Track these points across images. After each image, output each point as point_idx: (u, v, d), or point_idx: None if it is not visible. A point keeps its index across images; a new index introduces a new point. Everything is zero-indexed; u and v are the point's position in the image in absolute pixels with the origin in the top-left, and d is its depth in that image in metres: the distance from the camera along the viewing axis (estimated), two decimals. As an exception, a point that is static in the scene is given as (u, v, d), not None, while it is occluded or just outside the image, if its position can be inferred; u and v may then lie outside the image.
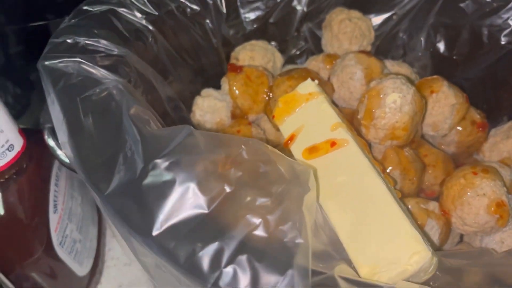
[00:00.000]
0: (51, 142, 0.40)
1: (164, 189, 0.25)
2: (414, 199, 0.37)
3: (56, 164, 0.44)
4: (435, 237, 0.37)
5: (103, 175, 0.27)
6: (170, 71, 0.44)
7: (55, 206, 0.43)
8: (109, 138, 0.29)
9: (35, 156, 0.41)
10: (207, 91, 0.47)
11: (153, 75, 0.41)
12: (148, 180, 0.26)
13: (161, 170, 0.26)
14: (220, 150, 0.27)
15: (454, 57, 0.46)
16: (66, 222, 0.45)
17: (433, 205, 0.38)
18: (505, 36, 0.42)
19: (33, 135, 0.40)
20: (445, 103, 0.41)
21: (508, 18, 0.41)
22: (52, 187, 0.43)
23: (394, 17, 0.47)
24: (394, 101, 0.35)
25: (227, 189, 0.26)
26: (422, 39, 0.47)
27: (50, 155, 0.40)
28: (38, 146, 0.40)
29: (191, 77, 0.47)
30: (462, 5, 0.43)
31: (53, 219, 0.42)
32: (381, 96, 0.35)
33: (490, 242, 0.38)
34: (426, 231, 0.36)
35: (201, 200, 0.25)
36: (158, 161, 0.26)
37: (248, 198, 0.26)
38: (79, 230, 0.48)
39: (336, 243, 0.30)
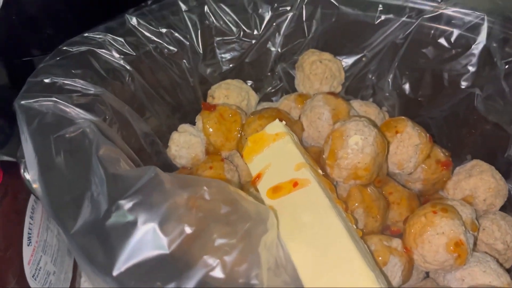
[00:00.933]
0: (27, 176, 0.41)
1: (126, 230, 0.26)
2: (377, 236, 0.39)
3: (32, 197, 0.45)
4: (398, 273, 0.38)
5: (70, 213, 0.28)
6: (147, 107, 0.46)
7: (29, 238, 0.43)
8: (77, 178, 0.30)
9: (11, 189, 0.41)
10: (183, 127, 0.48)
11: (130, 112, 0.42)
12: (112, 220, 0.27)
13: (124, 211, 0.27)
14: (183, 191, 0.28)
15: (419, 98, 0.48)
16: (40, 255, 0.45)
17: (396, 243, 0.39)
18: (464, 80, 0.45)
19: (10, 168, 0.41)
20: (409, 143, 0.43)
21: (466, 64, 0.44)
22: (27, 220, 0.44)
23: (364, 59, 0.50)
24: (356, 142, 0.37)
25: (188, 230, 0.27)
26: (389, 80, 0.49)
27: (27, 188, 0.41)
28: (15, 179, 0.41)
29: (168, 113, 0.48)
30: (424, 50, 0.46)
31: (27, 251, 0.43)
32: (343, 137, 0.37)
33: (451, 280, 0.39)
34: (389, 268, 0.38)
35: (162, 240, 0.26)
36: (121, 202, 0.27)
37: (208, 239, 0.27)
38: (53, 262, 0.48)
39: (298, 282, 0.31)
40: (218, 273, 0.26)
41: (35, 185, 0.32)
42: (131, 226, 0.26)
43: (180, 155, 0.47)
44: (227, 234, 0.27)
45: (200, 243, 0.27)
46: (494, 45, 0.42)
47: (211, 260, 0.26)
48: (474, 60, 0.43)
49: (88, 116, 0.36)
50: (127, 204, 0.27)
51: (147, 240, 0.26)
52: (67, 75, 0.38)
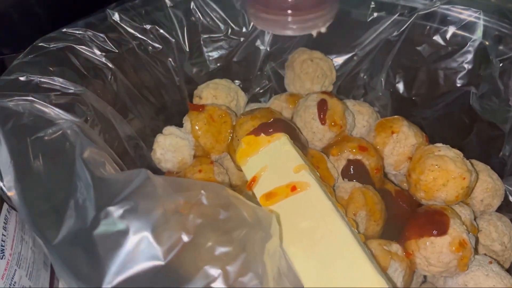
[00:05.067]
0: (1, 183, 0.37)
1: (117, 239, 0.24)
2: (376, 241, 0.37)
3: (5, 206, 0.41)
4: (399, 279, 0.36)
5: (51, 222, 0.25)
6: (131, 109, 0.43)
7: (2, 251, 0.40)
8: (59, 183, 0.27)
9: (-18, 197, 0.38)
10: (169, 129, 0.45)
11: (112, 113, 0.40)
12: (100, 229, 0.24)
13: (114, 218, 0.24)
14: (178, 196, 0.26)
15: (413, 98, 0.47)
16: (14, 268, 0.42)
17: (396, 247, 0.37)
18: (460, 78, 0.44)
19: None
20: (406, 143, 0.42)
21: (462, 62, 0.43)
22: (0, 231, 0.40)
23: (355, 57, 0.48)
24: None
25: (185, 238, 0.24)
26: (382, 79, 0.48)
27: None
28: (-14, 186, 0.37)
29: (153, 114, 0.46)
30: (419, 48, 0.45)
31: (0, 265, 0.39)
32: None
33: (453, 285, 0.37)
34: (390, 274, 0.36)
35: (157, 250, 0.24)
36: (111, 208, 0.24)
37: (207, 247, 0.25)
38: (29, 276, 0.45)
39: (301, 290, 0.29)
40: (220, 284, 0.23)
41: (11, 193, 0.29)
42: (122, 235, 0.24)
43: (166, 158, 0.44)
44: (228, 241, 0.25)
45: (199, 252, 0.24)
46: (490, 42, 0.41)
47: (212, 271, 0.24)
48: (470, 57, 0.42)
49: (68, 116, 0.33)
50: (117, 211, 0.24)
51: (140, 251, 0.24)
52: (44, 72, 0.35)
